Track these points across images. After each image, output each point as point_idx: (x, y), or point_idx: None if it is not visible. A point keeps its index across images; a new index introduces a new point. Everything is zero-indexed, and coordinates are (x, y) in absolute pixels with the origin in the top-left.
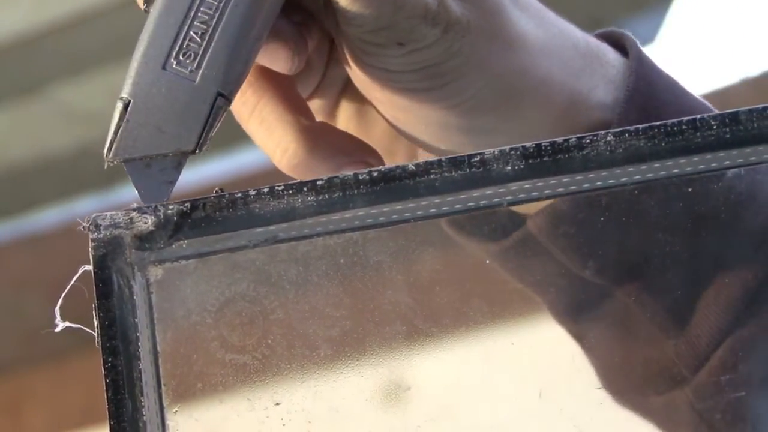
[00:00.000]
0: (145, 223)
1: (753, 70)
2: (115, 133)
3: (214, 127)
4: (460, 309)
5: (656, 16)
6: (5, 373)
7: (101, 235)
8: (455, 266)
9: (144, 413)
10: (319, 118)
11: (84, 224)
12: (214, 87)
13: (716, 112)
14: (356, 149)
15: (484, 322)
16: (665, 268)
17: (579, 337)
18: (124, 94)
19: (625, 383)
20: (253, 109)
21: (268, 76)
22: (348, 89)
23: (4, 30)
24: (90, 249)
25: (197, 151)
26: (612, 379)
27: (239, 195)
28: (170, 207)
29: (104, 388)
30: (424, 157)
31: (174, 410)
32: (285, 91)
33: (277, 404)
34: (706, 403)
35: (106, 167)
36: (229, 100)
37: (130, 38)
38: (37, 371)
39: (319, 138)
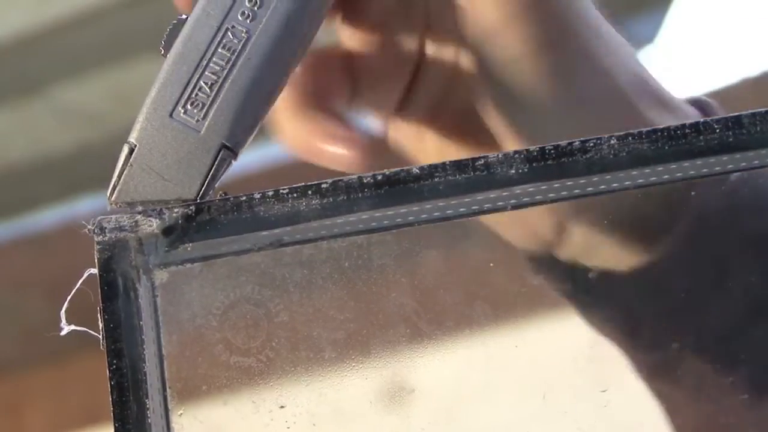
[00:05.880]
0: (150, 226)
1: (753, 70)
2: (119, 176)
3: (216, 178)
4: (464, 312)
5: (656, 16)
6: (5, 373)
7: (106, 238)
8: (459, 269)
9: (149, 416)
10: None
11: (89, 227)
12: (219, 139)
13: None
14: None
15: (488, 325)
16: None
17: (663, 396)
18: (131, 139)
19: None
20: None
21: None
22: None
23: (4, 30)
24: (95, 252)
25: (198, 201)
26: None
27: (244, 198)
28: (175, 210)
29: (109, 390)
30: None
31: (179, 413)
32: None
33: (282, 407)
34: None
35: (109, 201)
36: (234, 153)
37: (130, 38)
38: (37, 371)
39: None
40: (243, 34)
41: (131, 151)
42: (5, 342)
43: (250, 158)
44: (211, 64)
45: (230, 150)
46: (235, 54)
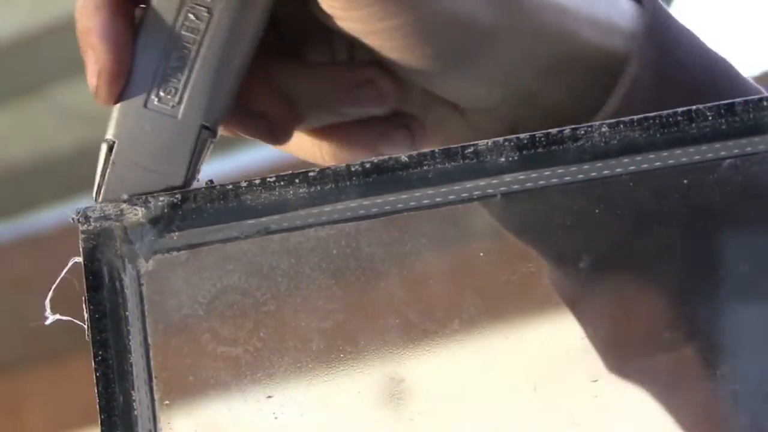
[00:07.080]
0: (136, 214)
1: (753, 70)
2: (102, 176)
3: (201, 160)
4: (454, 302)
5: None
6: (5, 373)
7: (91, 227)
8: (449, 258)
9: (135, 407)
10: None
11: (74, 216)
12: (197, 120)
13: (723, 58)
14: None
15: (478, 316)
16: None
17: (576, 300)
18: (109, 136)
19: (628, 344)
20: None
21: None
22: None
23: (4, 30)
24: (80, 241)
25: (186, 186)
26: (614, 343)
27: (230, 187)
28: (161, 199)
29: (95, 381)
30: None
31: (165, 403)
32: None
33: (269, 397)
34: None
35: None
36: (214, 132)
37: None
38: (37, 371)
39: None
40: (205, 14)
41: (110, 148)
42: (5, 342)
43: (250, 158)
44: (177, 49)
45: (209, 130)
46: (200, 34)
